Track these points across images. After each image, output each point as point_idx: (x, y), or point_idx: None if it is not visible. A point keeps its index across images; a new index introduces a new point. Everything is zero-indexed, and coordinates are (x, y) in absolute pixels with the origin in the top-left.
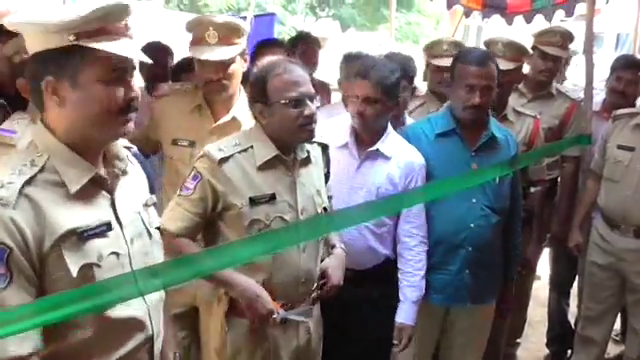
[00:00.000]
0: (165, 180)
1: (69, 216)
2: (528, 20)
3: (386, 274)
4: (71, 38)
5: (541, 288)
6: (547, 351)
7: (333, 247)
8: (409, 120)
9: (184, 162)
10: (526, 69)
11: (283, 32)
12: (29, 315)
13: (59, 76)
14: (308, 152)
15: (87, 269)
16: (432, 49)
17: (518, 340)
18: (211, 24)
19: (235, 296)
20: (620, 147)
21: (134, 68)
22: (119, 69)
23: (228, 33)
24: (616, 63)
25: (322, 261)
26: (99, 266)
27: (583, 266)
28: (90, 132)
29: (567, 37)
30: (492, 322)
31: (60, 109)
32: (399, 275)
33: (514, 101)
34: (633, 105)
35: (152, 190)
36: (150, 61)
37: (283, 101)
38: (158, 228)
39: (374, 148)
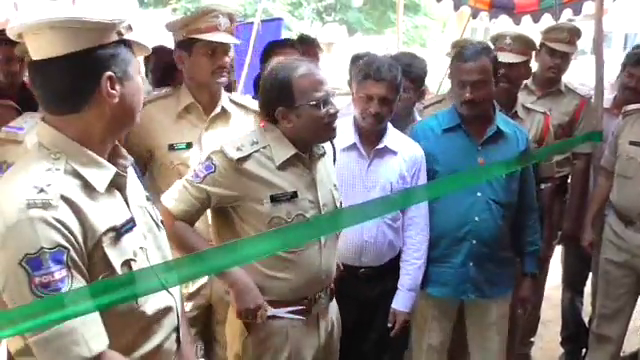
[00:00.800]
0: (164, 189)
1: (104, 214)
2: (536, 19)
3: (398, 266)
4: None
5: (554, 288)
6: (562, 350)
7: None
8: (419, 118)
9: (186, 165)
10: (534, 67)
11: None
12: (83, 299)
13: (115, 70)
14: (323, 147)
15: (127, 265)
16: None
17: (532, 339)
18: (221, 12)
19: (226, 286)
20: (632, 143)
21: None
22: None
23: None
24: (627, 60)
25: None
26: (135, 261)
27: (596, 264)
28: (128, 122)
29: (575, 33)
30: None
31: (109, 104)
32: (400, 263)
33: (523, 98)
34: None
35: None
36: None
37: (312, 102)
38: (162, 222)
39: (382, 145)
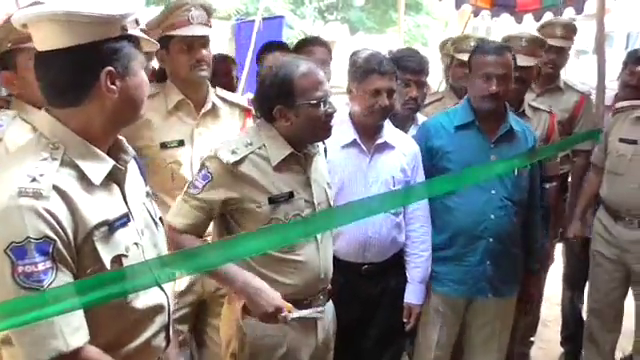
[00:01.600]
0: (156, 188)
1: (97, 208)
2: (537, 18)
3: (400, 262)
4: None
5: (554, 288)
6: (561, 350)
7: None
8: (421, 117)
9: (179, 163)
10: None
11: (292, 36)
12: (69, 296)
13: (115, 66)
14: (318, 146)
15: (118, 260)
16: (458, 44)
17: (532, 339)
18: (193, 5)
19: (236, 292)
20: (622, 140)
21: None
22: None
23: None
24: (628, 58)
25: None
26: (126, 257)
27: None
28: (130, 117)
29: (570, 28)
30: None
31: (109, 99)
32: (405, 258)
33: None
34: None
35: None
36: None
37: (313, 101)
38: (161, 219)
39: (382, 140)
